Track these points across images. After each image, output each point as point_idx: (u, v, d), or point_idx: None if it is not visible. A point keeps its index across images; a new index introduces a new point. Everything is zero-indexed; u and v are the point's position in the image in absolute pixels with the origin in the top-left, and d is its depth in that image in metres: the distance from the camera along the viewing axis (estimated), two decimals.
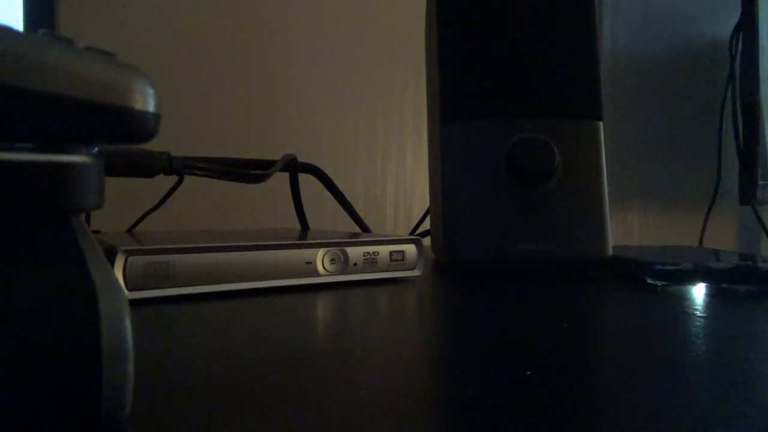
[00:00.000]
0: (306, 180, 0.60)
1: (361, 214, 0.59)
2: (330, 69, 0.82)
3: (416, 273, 0.40)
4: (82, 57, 0.13)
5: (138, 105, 0.13)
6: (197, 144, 0.64)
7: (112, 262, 0.30)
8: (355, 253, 0.38)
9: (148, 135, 0.14)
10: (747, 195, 0.75)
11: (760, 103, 0.74)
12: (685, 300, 0.35)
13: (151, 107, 0.13)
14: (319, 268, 0.37)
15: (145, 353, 0.21)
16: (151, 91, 0.14)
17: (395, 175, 0.85)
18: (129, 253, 0.31)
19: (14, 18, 0.49)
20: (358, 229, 0.58)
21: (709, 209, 0.82)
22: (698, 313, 0.31)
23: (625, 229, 0.92)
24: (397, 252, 0.40)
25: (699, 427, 0.16)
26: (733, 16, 0.79)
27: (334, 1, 0.82)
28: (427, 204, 0.57)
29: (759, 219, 0.74)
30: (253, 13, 0.79)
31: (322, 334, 0.27)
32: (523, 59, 0.46)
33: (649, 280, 0.40)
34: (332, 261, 0.37)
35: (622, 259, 0.44)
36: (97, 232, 0.48)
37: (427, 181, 0.55)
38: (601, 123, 0.46)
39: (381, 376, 0.20)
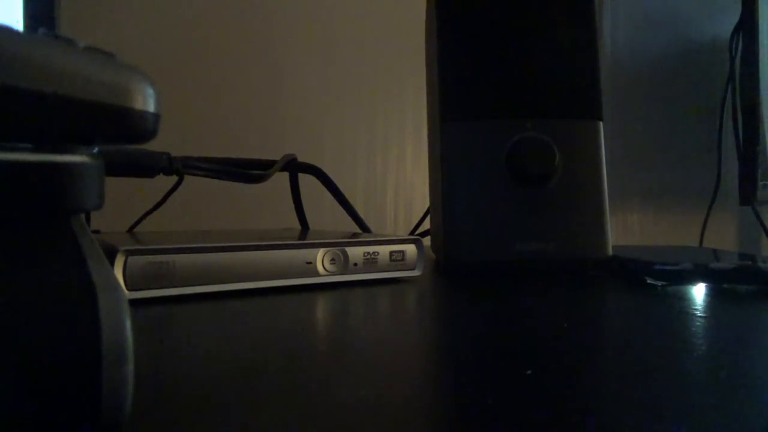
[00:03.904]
0: (306, 180, 0.60)
1: (361, 214, 0.59)
2: (330, 69, 0.82)
3: (416, 273, 0.40)
4: (82, 57, 0.13)
5: (138, 105, 0.13)
6: (197, 144, 0.64)
7: (112, 262, 0.30)
8: (355, 253, 0.38)
9: (148, 135, 0.14)
10: (747, 195, 0.75)
11: (760, 103, 0.73)
12: (685, 300, 0.35)
13: (151, 107, 0.13)
14: (319, 268, 0.37)
15: (145, 353, 0.21)
16: (151, 91, 0.14)
17: (395, 175, 0.85)
18: (129, 253, 0.31)
19: (14, 18, 0.49)
20: (358, 229, 0.58)
21: (709, 209, 0.82)
22: (698, 313, 0.31)
23: (625, 229, 0.92)
24: (397, 252, 0.40)
25: (699, 427, 0.16)
26: (733, 16, 0.79)
27: (334, 1, 0.82)
28: (427, 204, 0.57)
29: (759, 219, 0.74)
30: (253, 13, 0.79)
31: (323, 334, 0.27)
32: (523, 59, 0.46)
33: (649, 280, 0.40)
34: (332, 261, 0.37)
35: (622, 259, 0.44)
36: (97, 232, 0.48)
37: (427, 181, 0.55)
38: (601, 123, 0.46)
39: (381, 375, 0.20)
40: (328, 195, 0.59)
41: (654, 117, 0.92)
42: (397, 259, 0.39)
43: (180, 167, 0.50)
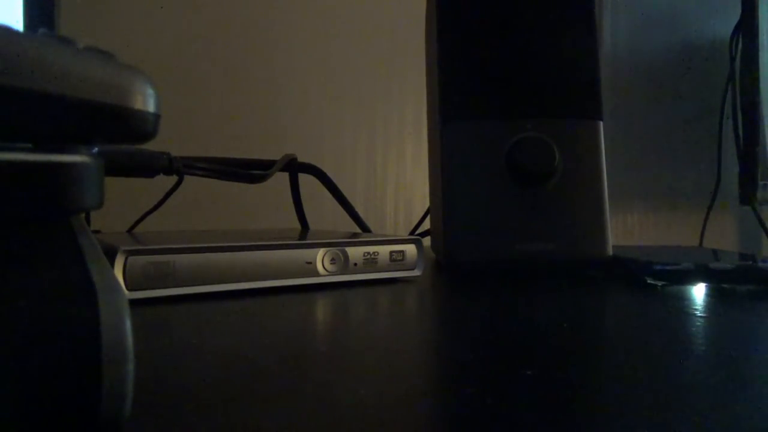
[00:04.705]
0: (306, 180, 0.60)
1: (361, 214, 0.59)
2: (330, 69, 0.82)
3: (416, 273, 0.40)
4: (82, 57, 0.13)
5: (138, 105, 0.13)
6: (197, 144, 0.64)
7: (112, 262, 0.30)
8: (355, 253, 0.38)
9: (148, 135, 0.14)
10: (747, 195, 0.75)
11: (760, 103, 0.73)
12: (685, 300, 0.35)
13: (151, 107, 0.13)
14: (319, 268, 0.37)
15: (145, 353, 0.21)
16: (151, 91, 0.14)
17: (395, 175, 0.85)
18: (129, 253, 0.31)
19: (14, 18, 0.49)
20: (358, 229, 0.58)
21: (709, 209, 0.82)
22: (698, 313, 0.31)
23: (625, 229, 0.92)
24: (397, 252, 0.40)
25: (699, 427, 0.16)
26: (733, 16, 0.79)
27: (334, 1, 0.82)
28: (427, 204, 0.57)
29: (759, 219, 0.74)
30: (253, 13, 0.79)
31: (322, 333, 0.27)
32: (523, 59, 0.46)
33: (649, 280, 0.40)
34: (332, 261, 0.37)
35: (622, 259, 0.44)
36: (97, 232, 0.48)
37: (427, 181, 0.55)
38: (601, 123, 0.46)
39: (381, 375, 0.20)
40: (328, 195, 0.59)
41: (654, 117, 0.92)
42: (397, 259, 0.39)
43: (180, 167, 0.50)
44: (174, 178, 0.51)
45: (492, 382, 0.19)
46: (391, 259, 0.39)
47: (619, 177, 0.87)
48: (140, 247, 0.31)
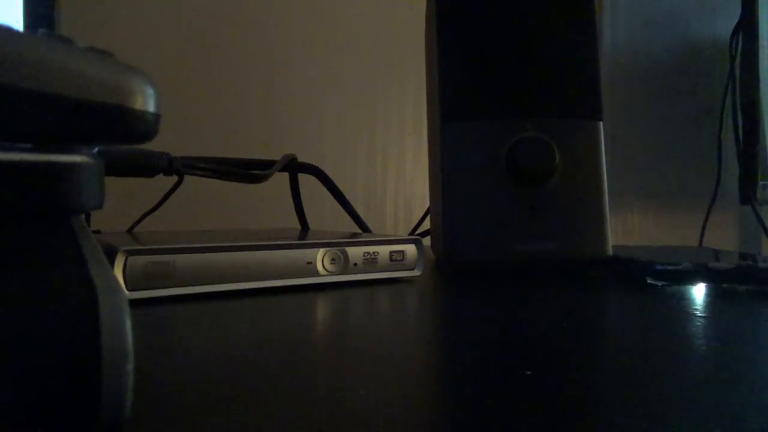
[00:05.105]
0: (306, 180, 0.60)
1: (361, 214, 0.59)
2: (330, 69, 0.82)
3: (416, 273, 0.40)
4: (82, 57, 0.13)
5: (138, 105, 0.13)
6: (197, 144, 0.64)
7: (112, 262, 0.30)
8: (355, 253, 0.38)
9: (148, 135, 0.14)
10: (747, 195, 0.75)
11: (760, 103, 0.74)
12: (685, 300, 0.35)
13: (151, 107, 0.13)
14: (319, 268, 0.37)
15: (145, 353, 0.21)
16: (151, 91, 0.14)
17: (395, 175, 0.85)
18: (129, 253, 0.31)
19: (14, 18, 0.49)
20: (358, 229, 0.58)
21: (709, 209, 0.82)
22: (698, 313, 0.31)
23: (625, 229, 0.92)
24: (397, 252, 0.40)
25: (699, 427, 0.16)
26: (733, 16, 0.79)
27: (334, 1, 0.82)
28: (427, 204, 0.57)
29: (759, 219, 0.74)
30: (253, 12, 0.79)
31: (322, 334, 0.27)
32: (523, 59, 0.46)
33: (649, 280, 0.40)
34: (332, 261, 0.37)
35: (622, 259, 0.44)
36: (97, 232, 0.48)
37: (427, 181, 0.55)
38: (601, 123, 0.46)
39: (381, 376, 0.20)
40: (328, 195, 0.59)
41: (654, 117, 0.92)
42: (397, 259, 0.39)
43: (180, 167, 0.50)
44: (174, 178, 0.51)
45: (492, 382, 0.19)
46: (391, 259, 0.39)
47: (619, 177, 0.87)
48: (140, 247, 0.31)
